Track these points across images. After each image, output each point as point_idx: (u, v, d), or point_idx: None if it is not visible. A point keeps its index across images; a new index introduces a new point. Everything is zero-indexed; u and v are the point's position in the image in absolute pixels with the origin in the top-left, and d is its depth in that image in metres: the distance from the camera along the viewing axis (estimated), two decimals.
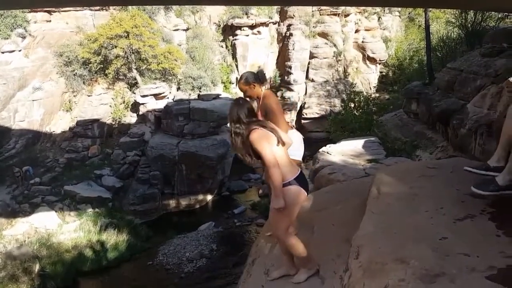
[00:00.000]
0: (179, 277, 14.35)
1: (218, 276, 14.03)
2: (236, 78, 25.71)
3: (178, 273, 14.57)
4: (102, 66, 21.60)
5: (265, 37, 27.47)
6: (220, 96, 21.32)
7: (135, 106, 21.81)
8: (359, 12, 29.86)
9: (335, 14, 28.12)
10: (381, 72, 30.53)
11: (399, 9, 32.08)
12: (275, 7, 27.27)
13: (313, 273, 3.35)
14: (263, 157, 3.18)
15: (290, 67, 27.51)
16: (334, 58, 28.31)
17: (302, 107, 28.05)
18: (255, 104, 3.95)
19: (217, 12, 26.49)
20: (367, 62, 29.88)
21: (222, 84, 24.27)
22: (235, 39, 26.55)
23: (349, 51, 29.08)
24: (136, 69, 21.91)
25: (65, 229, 15.98)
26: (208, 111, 19.86)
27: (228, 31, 26.91)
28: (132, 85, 22.23)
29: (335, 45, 28.36)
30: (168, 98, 21.58)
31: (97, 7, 21.30)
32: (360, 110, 19.87)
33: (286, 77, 27.84)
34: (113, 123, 21.74)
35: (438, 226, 3.01)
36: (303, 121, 28.04)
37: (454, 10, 15.96)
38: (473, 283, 2.37)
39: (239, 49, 26.43)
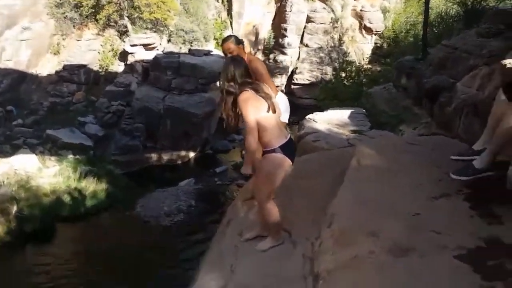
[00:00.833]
0: (156, 230, 14.50)
1: (194, 232, 14.21)
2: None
3: (155, 226, 14.72)
4: (93, 10, 20.92)
5: None
6: (211, 53, 20.90)
7: (123, 55, 21.29)
8: None
9: None
10: (376, 43, 30.19)
11: None
12: None
13: (278, 244, 3.37)
14: (244, 121, 3.13)
15: (286, 30, 27.01)
16: (331, 24, 27.84)
17: (293, 72, 27.78)
18: None
19: None
20: (363, 31, 29.48)
21: (214, 41, 23.73)
22: None
23: (346, 19, 28.61)
24: (127, 16, 21.27)
25: (45, 173, 15.87)
26: (198, 67, 19.51)
27: None
28: (122, 33, 21.63)
29: (333, 11, 27.84)
30: (158, 49, 21.08)
31: None
32: (351, 81, 19.79)
33: (280, 40, 27.36)
34: (100, 70, 21.28)
35: (413, 202, 3.04)
36: (293, 86, 27.84)
37: None
38: (441, 261, 2.40)
39: (235, 5, 25.72)
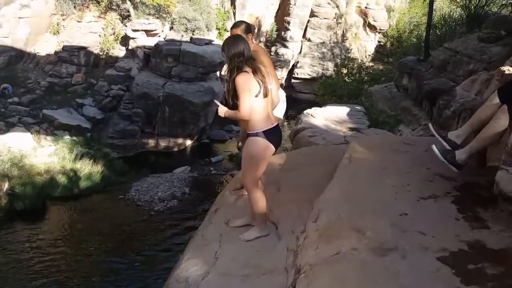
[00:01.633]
0: (149, 214, 14.54)
1: (187, 218, 14.26)
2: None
3: (148, 210, 14.75)
4: None
5: None
6: (212, 42, 20.78)
7: (125, 40, 21.15)
8: None
9: None
10: (379, 42, 30.07)
11: None
12: None
13: (263, 235, 3.39)
14: (240, 104, 3.18)
15: (289, 23, 26.85)
16: (335, 20, 27.70)
17: (294, 66, 27.66)
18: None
19: None
20: (367, 29, 29.34)
21: (216, 30, 23.59)
22: None
23: (350, 15, 28.45)
24: (130, 1, 21.09)
25: (40, 152, 15.83)
26: (198, 56, 19.43)
27: None
28: (124, 17, 21.46)
29: (337, 7, 27.68)
30: (159, 36, 20.95)
31: None
32: (352, 78, 19.75)
33: (283, 33, 27.22)
34: (101, 53, 21.13)
35: (401, 201, 3.03)
36: (293, 80, 27.74)
37: None
38: (423, 262, 2.40)
39: None
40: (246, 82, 3.16)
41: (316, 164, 4.46)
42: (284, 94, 4.28)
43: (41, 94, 18.74)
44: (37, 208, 13.59)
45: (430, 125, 3.64)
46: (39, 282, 10.65)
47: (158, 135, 19.63)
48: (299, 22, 26.94)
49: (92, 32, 20.78)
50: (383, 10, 29.32)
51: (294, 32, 26.96)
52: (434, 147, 3.30)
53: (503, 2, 15.79)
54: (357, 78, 19.47)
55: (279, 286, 2.74)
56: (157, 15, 21.26)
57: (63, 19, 20.72)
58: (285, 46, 27.02)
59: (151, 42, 20.37)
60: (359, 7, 29.00)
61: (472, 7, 15.00)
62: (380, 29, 29.28)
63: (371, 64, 25.10)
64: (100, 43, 20.96)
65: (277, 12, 27.72)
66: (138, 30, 20.41)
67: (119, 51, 21.26)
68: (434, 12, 17.69)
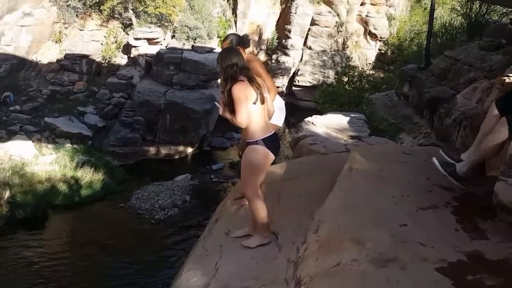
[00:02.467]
0: (149, 223, 14.54)
1: (187, 227, 14.25)
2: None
3: (149, 219, 14.75)
4: (97, 1, 20.87)
5: None
6: (214, 50, 20.87)
7: (127, 48, 21.27)
8: None
9: None
10: (380, 50, 30.18)
11: None
12: None
13: (265, 243, 3.41)
14: (236, 113, 3.22)
15: (290, 31, 26.99)
16: (336, 28, 27.82)
17: (295, 74, 27.74)
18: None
19: None
20: (368, 37, 29.47)
21: (218, 39, 23.71)
22: None
23: (351, 23, 28.57)
24: (132, 9, 21.24)
25: (41, 160, 15.86)
26: (200, 64, 19.53)
27: None
28: (127, 25, 21.60)
29: (338, 15, 27.80)
30: (161, 44, 21.08)
31: None
32: (352, 85, 19.76)
33: (283, 41, 27.35)
34: (103, 61, 21.23)
35: (400, 212, 3.04)
36: (294, 88, 27.82)
37: None
38: (422, 273, 2.41)
39: (240, 5, 25.68)
40: (243, 91, 3.19)
41: (316, 173, 4.47)
42: (283, 102, 4.27)
43: (43, 102, 18.81)
44: (38, 216, 13.62)
45: (440, 150, 3.55)
46: None
47: (159, 143, 19.66)
48: (300, 30, 27.07)
49: (94, 41, 20.90)
50: (383, 18, 29.46)
51: (295, 40, 27.08)
52: (435, 160, 3.30)
53: (504, 11, 15.84)
54: (358, 86, 19.47)
55: None
56: (159, 24, 21.39)
57: (65, 27, 20.85)
58: (286, 54, 27.13)
59: (153, 50, 20.48)
60: (360, 15, 29.14)
61: (473, 15, 15.06)
62: (380, 37, 29.40)
63: (372, 72, 25.14)
64: (102, 51, 21.07)
65: (278, 21, 27.88)
66: (140, 39, 20.55)
67: (121, 59, 21.37)
68: (434, 21, 17.75)
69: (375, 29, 28.99)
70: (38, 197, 14.01)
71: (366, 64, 28.00)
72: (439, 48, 16.20)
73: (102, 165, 16.79)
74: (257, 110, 3.27)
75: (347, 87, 19.25)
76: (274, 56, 27.33)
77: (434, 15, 17.03)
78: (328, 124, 12.10)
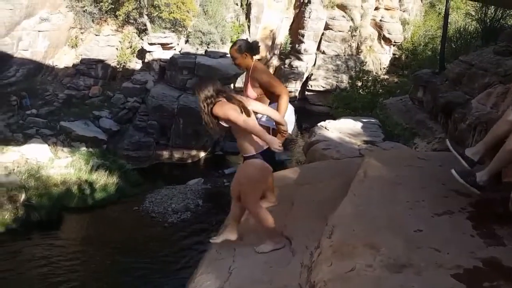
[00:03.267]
0: (162, 226, 14.62)
1: (200, 230, 14.28)
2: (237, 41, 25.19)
3: (162, 222, 14.84)
4: (113, 6, 21.17)
5: (282, 0, 26.79)
6: (227, 55, 20.98)
7: (141, 53, 21.51)
8: None
9: None
10: (394, 54, 30.04)
11: None
12: None
13: (279, 248, 3.40)
14: (237, 125, 3.20)
15: (303, 36, 27.01)
16: (349, 32, 27.78)
17: (308, 78, 27.74)
18: (243, 76, 3.92)
19: None
20: (382, 42, 29.36)
21: (231, 44, 23.84)
22: None
23: (365, 28, 28.51)
24: (147, 15, 21.48)
25: (56, 164, 16.07)
26: (213, 69, 19.63)
27: None
28: (141, 31, 21.85)
29: (352, 20, 27.77)
30: (175, 49, 21.27)
31: None
32: (366, 90, 19.68)
33: (297, 45, 27.37)
34: (118, 66, 21.50)
35: (415, 218, 3.01)
36: (307, 92, 27.80)
37: (476, 2, 15.55)
38: (438, 279, 2.38)
39: (253, 10, 25.80)
40: (225, 107, 3.20)
41: (330, 178, 4.45)
42: (292, 108, 4.21)
43: (59, 106, 19.09)
44: (52, 218, 13.79)
45: (447, 141, 3.62)
46: None
47: (172, 147, 19.79)
48: (313, 35, 27.08)
49: (109, 46, 21.18)
50: (398, 23, 29.33)
51: (308, 44, 27.08)
52: (453, 172, 3.22)
53: None
54: (372, 91, 19.39)
55: None
56: (173, 29, 21.59)
57: (82, 33, 21.17)
58: (299, 59, 27.14)
59: (166, 55, 20.67)
60: (374, 20, 29.05)
61: (488, 20, 14.92)
62: (395, 42, 29.26)
63: (386, 76, 25.00)
64: (117, 56, 21.33)
65: (291, 25, 27.92)
66: (154, 44, 20.76)
67: (136, 64, 21.60)
68: (449, 25, 17.64)
69: (389, 33, 28.87)
70: (53, 199, 14.20)
71: (380, 69, 27.87)
72: (454, 53, 16.08)
73: (116, 168, 16.96)
74: (253, 122, 3.26)
75: (361, 92, 19.17)
76: (287, 61, 27.37)
77: (449, 20, 16.90)
78: (341, 129, 12.05)
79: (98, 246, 12.95)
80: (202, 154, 20.41)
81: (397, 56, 30.17)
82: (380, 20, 29.02)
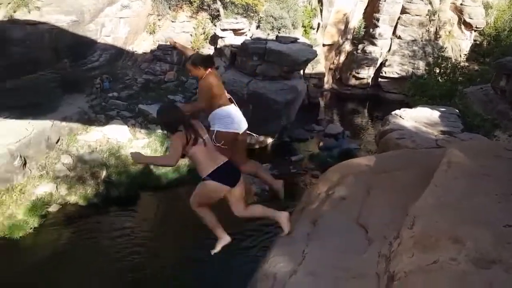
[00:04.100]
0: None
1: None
2: (318, 24, 24.82)
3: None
4: None
5: None
6: (298, 41, 20.78)
7: (214, 39, 21.89)
8: None
9: None
10: (475, 41, 28.15)
11: None
12: None
13: (225, 244, 4.24)
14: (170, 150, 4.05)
15: (378, 20, 26.04)
16: (427, 17, 26.36)
17: (382, 64, 26.76)
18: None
19: None
20: (462, 27, 27.58)
21: (302, 28, 23.53)
22: None
23: (444, 12, 26.90)
24: (220, 0, 21.78)
25: (134, 144, 16.90)
26: (283, 54, 19.50)
27: None
28: (214, 17, 22.21)
29: (430, 3, 26.31)
30: (246, 35, 21.38)
31: None
32: (445, 78, 18.72)
33: (371, 30, 26.45)
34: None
35: (504, 211, 2.85)
36: (380, 79, 26.87)
37: None
38: None
39: None
40: (176, 140, 3.89)
41: (407, 168, 4.31)
42: (238, 109, 4.96)
43: (138, 90, 20.00)
44: (130, 195, 14.53)
45: None
46: (129, 263, 11.49)
47: None
48: (389, 19, 26.03)
49: (184, 32, 21.77)
50: (480, 7, 27.37)
51: (383, 29, 26.09)
52: None
53: None
54: (451, 79, 18.37)
55: None
56: (244, 14, 21.73)
57: (159, 19, 21.93)
58: (373, 44, 26.25)
59: (238, 41, 20.85)
60: (454, 3, 27.35)
61: None
62: (476, 27, 27.38)
63: (466, 64, 23.54)
64: (191, 42, 21.89)
65: (366, 9, 27.01)
66: (226, 30, 21.02)
67: (209, 50, 22.03)
68: None
69: (470, 18, 27.03)
70: (131, 178, 14.97)
71: (460, 56, 26.29)
72: None
73: None
74: (201, 152, 3.90)
75: (439, 79, 18.25)
76: (360, 46, 26.59)
77: None
78: (417, 118, 11.58)
79: (172, 223, 13.49)
80: (270, 140, 20.49)
81: (478, 42, 28.25)
82: (461, 4, 27.23)
